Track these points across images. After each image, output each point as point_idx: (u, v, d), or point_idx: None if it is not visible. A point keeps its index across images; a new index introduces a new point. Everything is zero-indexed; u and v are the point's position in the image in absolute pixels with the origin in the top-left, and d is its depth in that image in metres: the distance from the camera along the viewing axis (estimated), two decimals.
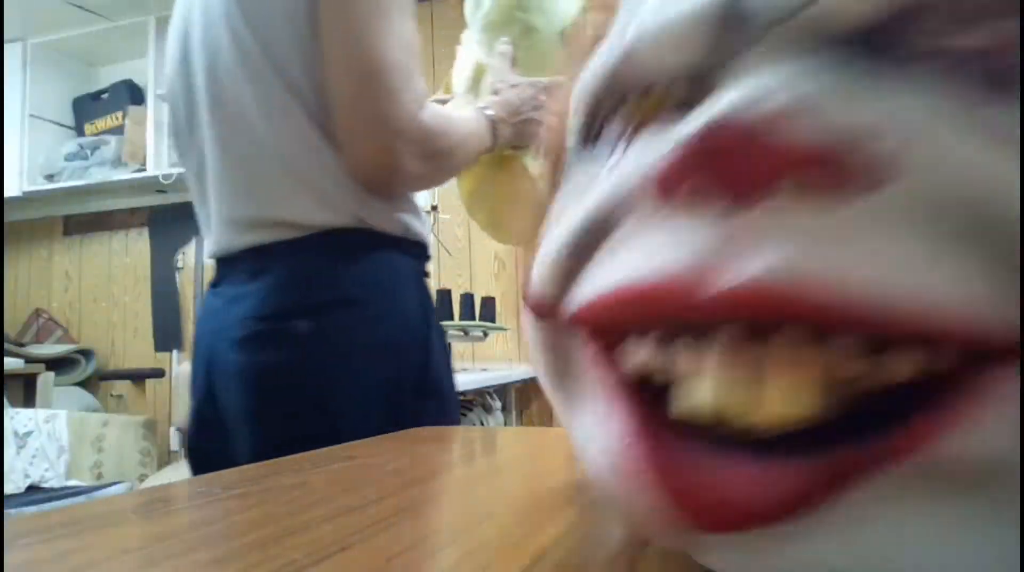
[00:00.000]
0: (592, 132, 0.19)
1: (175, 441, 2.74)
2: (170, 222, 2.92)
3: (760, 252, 0.12)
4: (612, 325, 0.16)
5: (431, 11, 2.76)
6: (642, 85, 0.17)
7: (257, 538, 0.26)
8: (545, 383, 0.21)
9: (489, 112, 0.77)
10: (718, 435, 0.14)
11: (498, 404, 2.00)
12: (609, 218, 0.16)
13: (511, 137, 0.79)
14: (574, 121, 0.20)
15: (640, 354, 0.16)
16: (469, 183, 0.82)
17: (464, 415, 1.81)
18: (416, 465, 0.44)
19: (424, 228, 0.78)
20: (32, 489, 2.10)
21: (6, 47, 2.79)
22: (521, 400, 2.29)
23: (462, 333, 1.92)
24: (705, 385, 0.14)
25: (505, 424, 2.03)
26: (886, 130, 0.12)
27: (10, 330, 2.99)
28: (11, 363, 2.53)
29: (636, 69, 0.17)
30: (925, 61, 0.13)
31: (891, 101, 0.12)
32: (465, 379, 1.51)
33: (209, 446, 0.75)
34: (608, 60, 0.17)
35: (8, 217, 3.05)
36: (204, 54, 0.75)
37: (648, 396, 0.16)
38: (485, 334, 2.03)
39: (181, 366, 2.69)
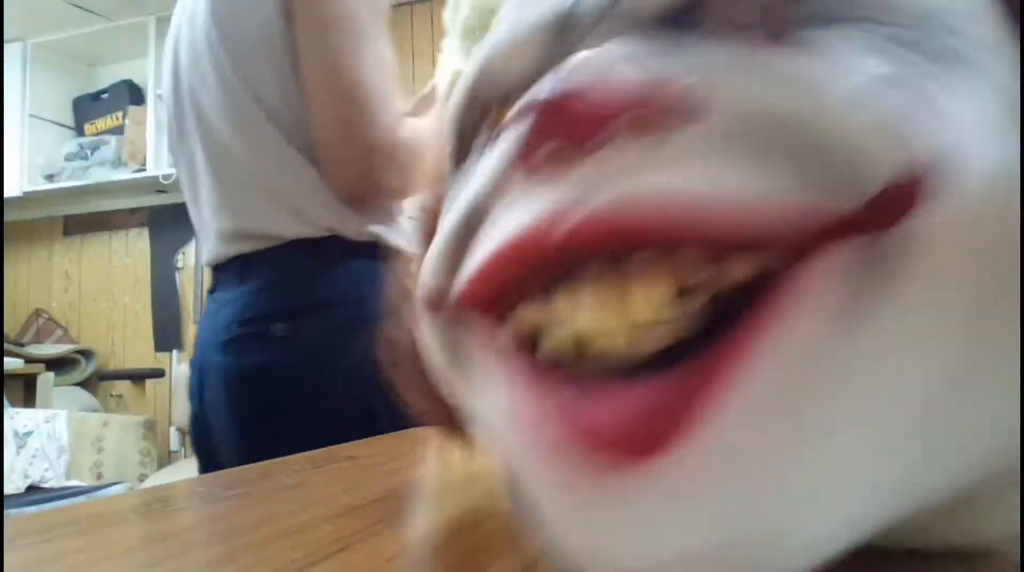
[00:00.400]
0: (462, 153, 0.21)
1: (175, 441, 2.74)
2: (170, 222, 2.92)
3: (601, 190, 0.14)
4: (491, 294, 0.17)
5: (431, 12, 2.76)
6: (499, 95, 0.19)
7: (257, 538, 0.26)
8: (444, 380, 0.21)
9: None
10: (601, 371, 0.15)
11: None
12: (482, 206, 0.18)
13: None
14: (447, 148, 0.22)
15: (526, 316, 0.17)
16: None
17: None
18: (416, 465, 0.44)
19: (398, 236, 0.79)
20: (32, 489, 2.10)
21: (6, 47, 2.80)
22: None
23: None
24: (580, 315, 0.16)
25: None
26: (694, 76, 0.15)
27: (10, 330, 2.99)
28: (11, 363, 2.53)
29: (491, 81, 0.19)
30: (719, 29, 0.15)
31: (697, 56, 0.15)
32: None
33: (210, 448, 0.78)
34: (467, 80, 0.20)
35: (8, 217, 3.05)
36: (190, 73, 0.81)
37: (537, 357, 0.17)
38: None
39: (181, 366, 2.69)
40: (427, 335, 0.21)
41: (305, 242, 0.74)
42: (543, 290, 0.16)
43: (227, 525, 0.28)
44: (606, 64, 0.15)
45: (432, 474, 0.37)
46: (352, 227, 0.75)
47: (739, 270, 0.14)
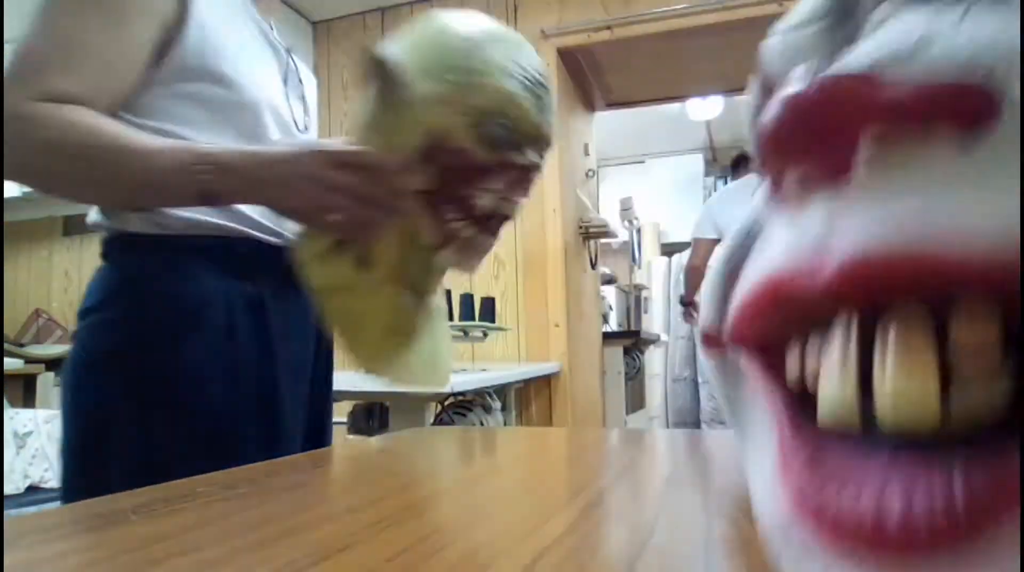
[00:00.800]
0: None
1: None
2: None
3: (865, 222, 0.12)
4: (756, 330, 0.16)
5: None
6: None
7: (257, 538, 0.26)
8: (728, 421, 0.20)
9: (210, 156, 0.59)
10: (875, 443, 0.13)
11: (498, 404, 2.00)
12: (747, 239, 0.16)
13: (247, 200, 0.63)
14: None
15: (792, 363, 0.15)
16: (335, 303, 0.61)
17: (464, 415, 1.81)
18: (416, 465, 0.44)
19: (229, 219, 0.69)
20: (32, 489, 2.10)
21: (6, 47, 2.79)
22: (521, 400, 2.28)
23: (462, 333, 1.92)
24: (827, 386, 0.13)
25: (505, 424, 2.03)
26: (980, 63, 0.11)
27: (10, 330, 2.99)
28: (11, 363, 2.53)
29: (773, 71, 0.16)
30: None
31: (982, 30, 0.12)
32: (465, 379, 1.51)
33: None
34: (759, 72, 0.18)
35: (8, 217, 3.04)
36: None
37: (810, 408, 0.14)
38: (485, 334, 2.03)
39: None
40: (711, 373, 0.19)
41: (108, 238, 0.68)
42: (810, 329, 0.14)
43: (227, 525, 0.28)
44: (855, 63, 0.12)
45: (434, 474, 0.37)
46: (121, 216, 0.67)
47: None
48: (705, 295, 0.18)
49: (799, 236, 0.13)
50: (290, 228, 0.72)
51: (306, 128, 0.82)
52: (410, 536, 0.25)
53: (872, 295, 0.12)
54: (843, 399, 0.13)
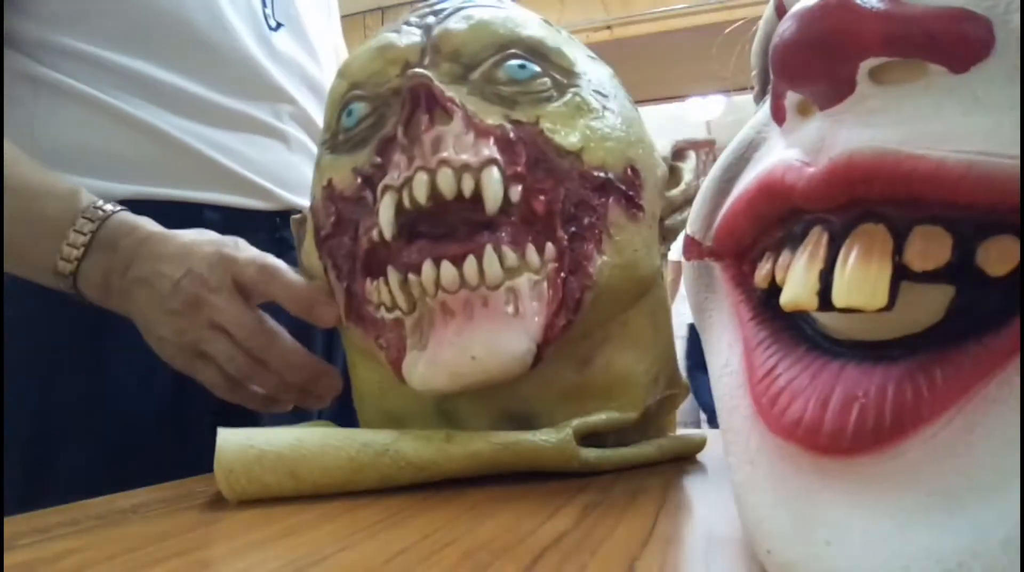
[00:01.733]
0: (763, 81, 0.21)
1: None
2: None
3: (851, 138, 0.13)
4: (736, 238, 0.17)
5: None
6: None
7: (257, 538, 0.26)
8: (696, 324, 0.22)
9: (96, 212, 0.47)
10: (827, 341, 0.15)
11: None
12: (747, 151, 0.18)
13: (113, 305, 0.48)
14: (753, 72, 0.21)
15: (765, 266, 0.17)
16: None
17: None
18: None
19: None
20: None
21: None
22: None
23: None
24: (793, 277, 0.15)
25: None
26: (975, 6, 0.13)
27: None
28: None
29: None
30: None
31: None
32: None
33: None
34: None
35: None
36: None
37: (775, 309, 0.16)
38: None
39: None
40: (685, 280, 0.21)
41: None
42: (786, 243, 0.16)
43: (227, 525, 0.28)
44: None
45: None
46: None
47: (994, 260, 0.13)
48: (697, 203, 0.20)
49: (795, 144, 0.15)
50: (277, 183, 0.59)
51: (278, 25, 0.63)
52: (410, 536, 0.25)
53: (854, 192, 0.14)
54: (806, 282, 0.15)
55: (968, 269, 0.13)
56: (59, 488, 0.47)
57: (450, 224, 0.34)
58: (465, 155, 0.33)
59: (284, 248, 0.62)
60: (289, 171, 0.63)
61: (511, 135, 0.35)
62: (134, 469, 0.45)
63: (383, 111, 0.38)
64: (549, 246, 0.34)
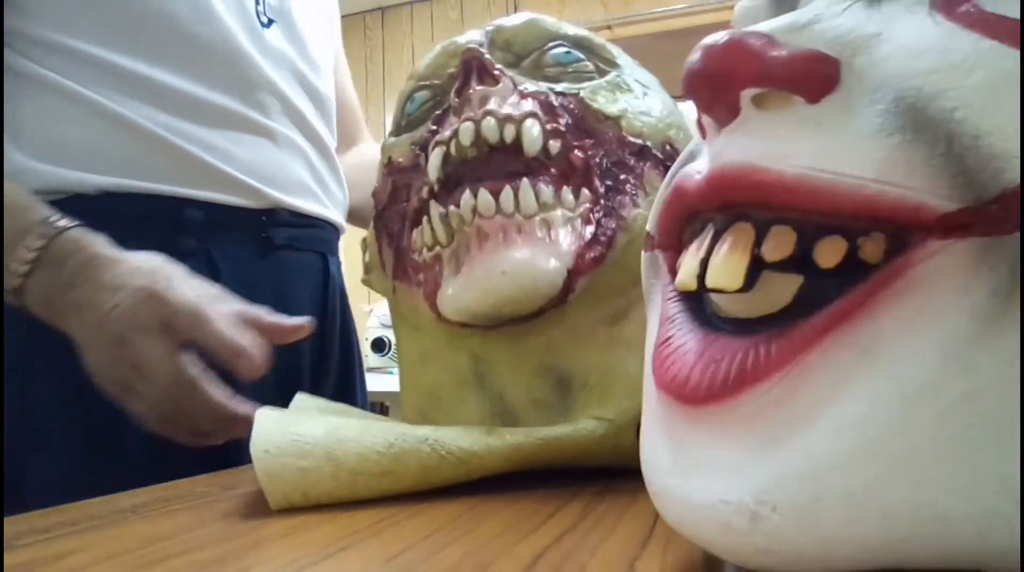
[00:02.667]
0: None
1: None
2: None
3: (730, 153, 0.17)
4: (665, 232, 0.21)
5: (431, 11, 2.76)
6: None
7: (257, 538, 0.26)
8: (646, 304, 0.25)
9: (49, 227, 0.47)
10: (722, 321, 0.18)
11: None
12: (687, 159, 0.21)
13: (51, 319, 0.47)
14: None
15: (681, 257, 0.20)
16: None
17: None
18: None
19: None
20: None
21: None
22: None
23: None
24: (684, 264, 0.19)
25: None
26: (833, 45, 0.16)
27: None
28: None
29: None
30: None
31: (841, 21, 0.17)
32: None
33: None
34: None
35: None
36: None
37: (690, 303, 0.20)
38: None
39: None
40: (643, 268, 0.24)
41: None
42: (695, 237, 0.19)
43: (227, 525, 0.28)
44: (746, 36, 0.17)
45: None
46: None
47: (831, 254, 0.16)
48: (655, 204, 0.23)
49: (707, 155, 0.18)
50: (271, 183, 0.58)
51: (269, 22, 0.62)
52: (410, 536, 0.25)
53: (726, 197, 0.17)
54: (691, 269, 0.18)
55: (810, 262, 0.16)
56: (38, 492, 0.48)
57: (492, 170, 0.35)
58: (508, 109, 0.35)
59: (268, 248, 0.61)
60: (276, 169, 0.61)
61: (553, 100, 0.37)
62: (116, 472, 0.44)
63: (441, 96, 0.40)
64: (585, 191, 0.35)
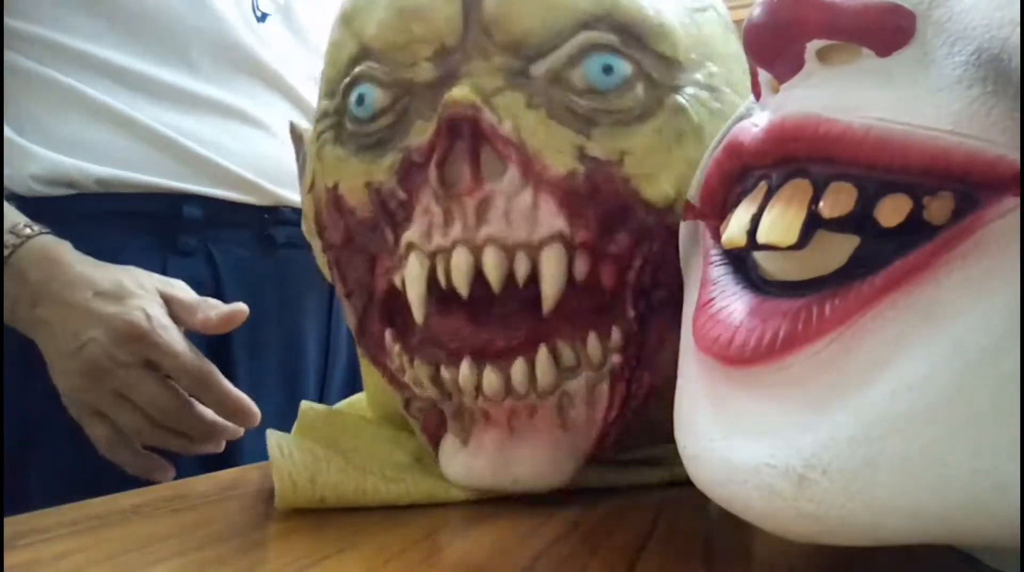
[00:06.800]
0: None
1: None
2: None
3: (792, 105, 0.16)
4: (711, 194, 0.20)
5: None
6: None
7: (257, 538, 0.26)
8: (683, 274, 0.24)
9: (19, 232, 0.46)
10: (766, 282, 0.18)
11: None
12: (731, 129, 0.20)
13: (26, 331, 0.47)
14: None
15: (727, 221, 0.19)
16: None
17: None
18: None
19: None
20: None
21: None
22: None
23: None
24: (733, 220, 0.18)
25: None
26: (906, 1, 0.15)
27: None
28: None
29: None
30: None
31: None
32: None
33: None
34: None
35: None
36: None
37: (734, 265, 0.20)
38: None
39: None
40: (681, 238, 0.24)
41: None
42: (743, 198, 0.18)
43: (227, 525, 0.28)
44: None
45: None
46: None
47: (891, 213, 0.15)
48: (697, 172, 0.22)
49: (759, 114, 0.18)
50: (270, 179, 0.57)
51: (263, 15, 0.61)
52: (410, 536, 0.25)
53: (784, 149, 0.16)
54: (741, 224, 0.18)
55: (869, 222, 0.15)
56: (38, 491, 0.48)
57: (495, 320, 0.28)
58: (520, 229, 0.26)
59: (271, 246, 0.60)
60: (279, 164, 0.59)
61: (582, 186, 0.26)
62: (115, 472, 0.45)
63: (406, 105, 0.29)
64: (615, 333, 0.28)
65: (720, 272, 0.19)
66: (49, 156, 0.52)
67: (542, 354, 0.27)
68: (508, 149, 0.26)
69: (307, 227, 0.35)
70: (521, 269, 0.26)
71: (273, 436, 0.31)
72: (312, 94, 0.64)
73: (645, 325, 0.28)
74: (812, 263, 0.16)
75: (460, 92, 0.26)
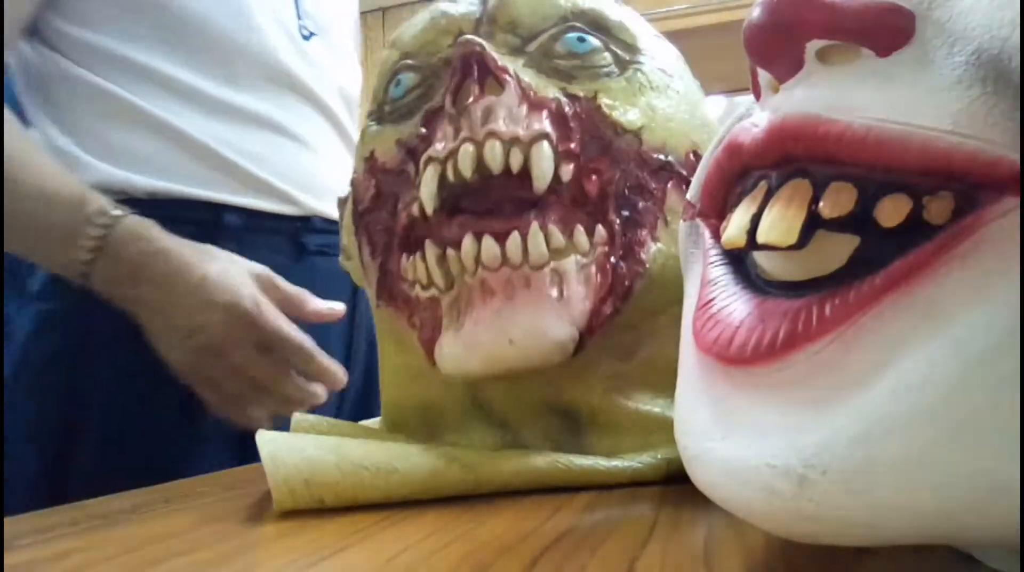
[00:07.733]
0: None
1: None
2: None
3: (792, 105, 0.16)
4: (711, 195, 0.20)
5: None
6: None
7: (257, 538, 0.26)
8: (683, 274, 0.24)
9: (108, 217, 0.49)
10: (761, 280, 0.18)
11: None
12: (731, 129, 0.20)
13: (125, 305, 0.51)
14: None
15: (727, 221, 0.20)
16: None
17: None
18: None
19: None
20: None
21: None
22: None
23: None
24: (733, 220, 0.18)
25: None
26: (905, 1, 0.15)
27: None
28: None
29: None
30: None
31: None
32: None
33: None
34: None
35: None
36: None
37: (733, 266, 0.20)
38: None
39: None
40: (680, 237, 0.24)
41: None
42: (743, 198, 0.18)
43: (227, 525, 0.28)
44: None
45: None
46: None
47: (890, 213, 0.15)
48: (697, 173, 0.22)
49: (759, 114, 0.18)
50: (304, 190, 0.61)
51: (310, 35, 0.65)
52: (410, 536, 0.25)
53: (784, 149, 0.16)
54: (741, 224, 0.18)
55: (869, 222, 0.15)
56: (79, 485, 0.50)
57: (495, 200, 0.32)
58: (516, 128, 0.31)
59: (302, 254, 0.64)
60: (314, 178, 0.63)
61: (566, 110, 0.33)
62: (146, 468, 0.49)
63: (432, 82, 0.36)
64: (599, 229, 0.32)
65: (720, 272, 0.19)
66: (102, 167, 0.55)
67: (533, 229, 0.31)
68: (506, 77, 0.32)
69: (345, 229, 0.42)
70: (516, 160, 0.31)
71: (264, 442, 0.31)
72: (342, 110, 0.68)
73: (626, 228, 0.33)
74: (812, 263, 0.16)
75: (469, 38, 0.32)
